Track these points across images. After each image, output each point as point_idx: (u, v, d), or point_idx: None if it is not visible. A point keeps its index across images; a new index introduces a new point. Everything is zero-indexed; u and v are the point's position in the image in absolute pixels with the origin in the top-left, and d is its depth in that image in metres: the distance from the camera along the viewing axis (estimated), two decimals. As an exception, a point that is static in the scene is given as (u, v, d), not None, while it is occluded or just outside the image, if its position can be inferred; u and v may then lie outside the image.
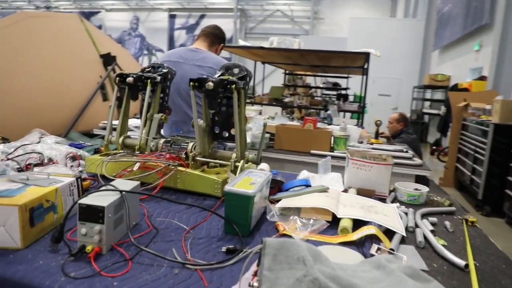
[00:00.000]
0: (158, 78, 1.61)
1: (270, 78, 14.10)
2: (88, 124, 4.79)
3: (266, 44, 5.48)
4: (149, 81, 1.56)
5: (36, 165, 1.37)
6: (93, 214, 0.82)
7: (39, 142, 1.66)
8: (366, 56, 4.59)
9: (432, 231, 1.11)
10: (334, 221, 1.09)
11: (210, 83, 1.25)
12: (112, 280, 0.73)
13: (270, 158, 2.43)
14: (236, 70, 1.47)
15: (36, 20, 5.16)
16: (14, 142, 1.65)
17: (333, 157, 2.35)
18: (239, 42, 6.56)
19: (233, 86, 1.27)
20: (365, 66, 4.92)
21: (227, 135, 1.44)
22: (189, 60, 2.16)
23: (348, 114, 8.06)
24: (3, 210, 0.81)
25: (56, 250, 0.83)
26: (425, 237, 1.06)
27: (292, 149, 2.49)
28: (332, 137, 2.47)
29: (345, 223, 1.05)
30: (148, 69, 1.75)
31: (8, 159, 1.39)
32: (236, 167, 1.33)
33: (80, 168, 1.47)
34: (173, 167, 1.31)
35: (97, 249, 0.82)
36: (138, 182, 1.02)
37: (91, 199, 0.84)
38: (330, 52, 4.73)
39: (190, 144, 1.46)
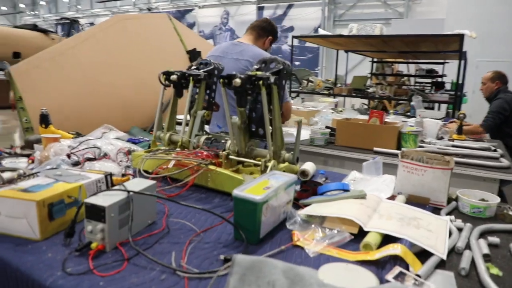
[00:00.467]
0: (202, 74, 1.61)
1: (359, 67, 13.43)
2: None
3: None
4: (191, 78, 1.58)
5: (89, 159, 1.49)
6: (96, 213, 0.84)
7: (100, 137, 1.81)
8: (460, 38, 4.03)
9: (486, 255, 0.91)
10: (363, 234, 0.96)
11: (238, 80, 1.20)
12: (99, 279, 0.75)
13: (329, 155, 2.29)
14: (272, 65, 1.40)
15: (128, 22, 5.68)
16: (82, 137, 1.83)
17: (394, 155, 2.13)
18: (319, 31, 6.33)
19: (261, 82, 1.21)
20: (461, 50, 4.32)
21: (262, 132, 1.38)
22: (228, 54, 2.15)
23: (444, 105, 7.24)
24: (25, 204, 0.89)
25: (68, 244, 0.89)
26: (473, 262, 0.87)
27: (354, 146, 2.31)
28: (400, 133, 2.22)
29: (370, 238, 0.92)
30: (196, 66, 1.78)
31: (71, 153, 1.54)
32: (266, 167, 1.27)
33: (128, 163, 1.56)
34: (204, 165, 1.30)
35: (100, 247, 0.84)
36: (154, 182, 1.03)
37: (97, 199, 0.87)
38: (416, 36, 4.28)
39: (228, 142, 1.44)
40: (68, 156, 1.49)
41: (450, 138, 2.64)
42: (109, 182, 1.14)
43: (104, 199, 0.87)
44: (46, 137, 1.72)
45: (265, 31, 2.26)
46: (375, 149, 2.23)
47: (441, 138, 2.57)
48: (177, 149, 1.51)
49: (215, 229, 1.01)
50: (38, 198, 0.89)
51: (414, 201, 1.27)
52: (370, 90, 5.77)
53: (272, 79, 1.25)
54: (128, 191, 0.92)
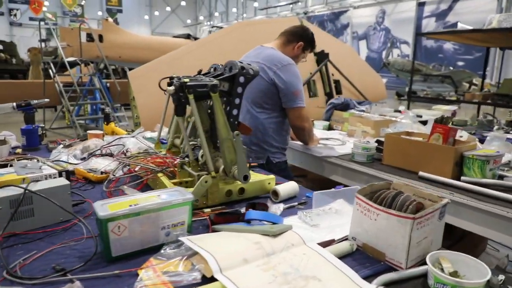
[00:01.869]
0: (210, 85, 1.16)
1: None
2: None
3: None
4: (188, 91, 1.15)
5: (96, 155, 1.67)
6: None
7: (133, 136, 1.99)
8: None
9: None
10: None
11: (171, 88, 1.15)
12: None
13: (369, 175, 1.90)
14: (234, 70, 1.28)
15: (250, 27, 6.00)
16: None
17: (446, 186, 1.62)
18: (459, 26, 5.30)
19: (188, 90, 1.12)
20: None
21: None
22: (248, 58, 2.05)
23: None
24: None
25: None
26: None
27: (402, 167, 1.85)
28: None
29: None
30: (207, 72, 1.74)
31: (101, 147, 1.75)
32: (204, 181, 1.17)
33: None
34: (155, 172, 1.30)
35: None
36: (67, 182, 1.09)
37: (-9, 191, 0.98)
38: None
39: (200, 152, 1.39)
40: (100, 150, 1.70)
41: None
42: (65, 177, 1.25)
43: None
44: (89, 133, 2.01)
45: (296, 36, 2.08)
46: (420, 173, 1.74)
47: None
48: (161, 153, 1.54)
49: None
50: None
51: (370, 253, 0.97)
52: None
53: (210, 86, 1.14)
54: (25, 189, 1.00)
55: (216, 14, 31.42)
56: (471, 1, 15.77)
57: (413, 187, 1.07)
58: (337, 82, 8.19)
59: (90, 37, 7.27)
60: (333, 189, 1.22)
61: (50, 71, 6.38)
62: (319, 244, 0.96)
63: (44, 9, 24.02)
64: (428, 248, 0.95)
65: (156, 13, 30.11)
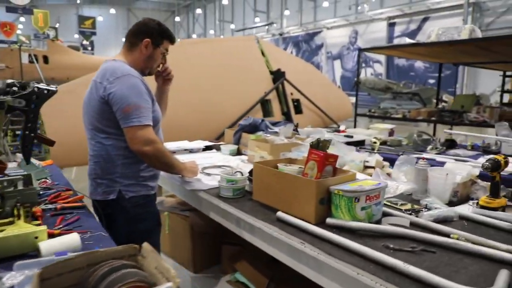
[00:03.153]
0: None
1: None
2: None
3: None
4: None
5: None
6: None
7: None
8: None
9: None
10: None
11: None
12: None
13: (232, 214, 1.52)
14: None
15: (191, 46, 5.75)
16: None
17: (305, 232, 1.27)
18: (405, 40, 5.11)
19: None
20: None
21: None
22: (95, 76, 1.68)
23: None
24: None
25: None
26: None
27: (269, 204, 1.51)
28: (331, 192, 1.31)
29: None
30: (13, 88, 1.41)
31: None
32: None
33: None
34: None
35: None
36: None
37: None
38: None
39: None
40: None
41: (479, 202, 1.51)
42: None
43: None
44: None
45: (138, 35, 1.67)
46: (278, 214, 1.38)
47: (471, 198, 1.48)
48: None
49: None
50: None
51: None
52: (472, 113, 4.26)
53: None
54: None
55: (194, 36, 31.49)
56: (439, 21, 16.03)
57: (157, 257, 0.71)
58: (297, 101, 7.96)
59: (32, 59, 6.88)
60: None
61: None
62: None
63: (19, 31, 23.62)
64: None
65: (185, 39, 30.07)
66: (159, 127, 1.76)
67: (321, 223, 1.34)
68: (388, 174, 2.07)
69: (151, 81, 1.77)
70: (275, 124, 2.90)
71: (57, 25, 22.92)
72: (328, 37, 22.27)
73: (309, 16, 22.99)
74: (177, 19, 32.25)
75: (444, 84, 15.25)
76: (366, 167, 2.11)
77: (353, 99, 18.36)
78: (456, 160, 2.63)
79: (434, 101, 13.54)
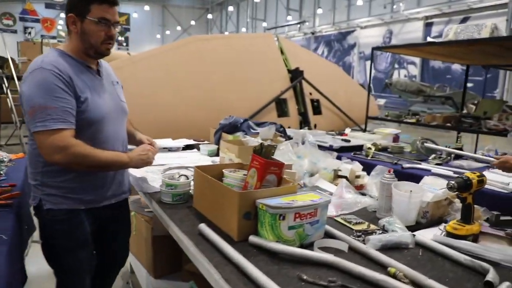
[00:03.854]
0: None
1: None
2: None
3: None
4: None
5: None
6: None
7: None
8: None
9: None
10: None
11: None
12: None
13: (165, 222, 1.36)
14: None
15: (203, 42, 5.63)
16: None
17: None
18: (428, 39, 4.72)
19: None
20: None
21: None
22: None
23: None
24: None
25: None
26: None
27: (204, 214, 1.33)
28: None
29: None
30: None
31: None
32: None
33: None
34: None
35: None
36: None
37: None
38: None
39: None
40: None
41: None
42: None
43: None
44: None
45: (66, 14, 1.40)
46: (200, 227, 1.20)
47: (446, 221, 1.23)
48: None
49: None
50: None
51: None
52: (492, 120, 3.85)
53: None
54: None
55: (227, 33, 31.62)
56: (480, 21, 15.03)
57: None
58: (316, 101, 7.67)
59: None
60: None
61: (3, 86, 6.17)
62: None
63: (59, 27, 24.73)
64: None
65: (168, 32, 30.52)
66: (102, 127, 1.47)
67: (244, 241, 1.17)
68: (362, 186, 1.84)
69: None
70: (260, 124, 2.72)
71: (94, 21, 23.67)
72: (361, 36, 21.58)
73: (343, 15, 22.37)
74: (210, 16, 32.49)
75: (484, 89, 14.33)
76: (338, 176, 1.89)
77: (382, 101, 17.75)
78: (455, 172, 2.33)
79: (472, 106, 12.76)
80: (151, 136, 1.75)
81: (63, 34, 23.56)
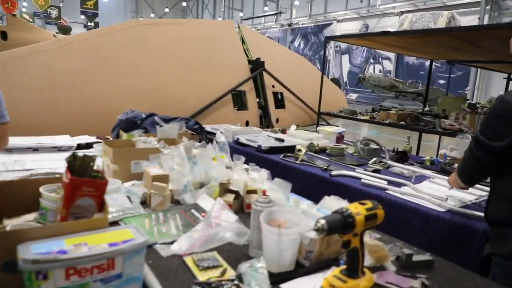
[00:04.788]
0: None
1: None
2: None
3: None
4: None
5: None
6: None
7: None
8: None
9: None
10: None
11: None
12: None
13: None
14: None
15: (149, 27, 5.11)
16: None
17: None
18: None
19: None
20: None
21: None
22: None
23: None
24: None
25: None
26: None
27: None
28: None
29: None
30: None
31: None
32: None
33: None
34: None
35: None
36: None
37: None
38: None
39: None
40: None
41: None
42: None
43: None
44: None
45: None
46: None
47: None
48: None
49: None
50: None
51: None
52: (448, 120, 3.53)
53: None
54: None
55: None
56: (453, 18, 14.99)
57: None
58: (279, 94, 7.25)
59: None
60: None
61: None
62: None
63: (23, 9, 23.31)
64: None
65: (141, 19, 29.42)
66: None
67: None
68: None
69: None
70: (170, 120, 2.27)
71: (60, 4, 22.46)
72: (337, 30, 21.32)
73: (320, 8, 22.04)
74: (184, 4, 31.46)
75: (456, 86, 14.32)
76: (229, 191, 1.47)
77: (354, 96, 17.53)
78: (390, 182, 1.96)
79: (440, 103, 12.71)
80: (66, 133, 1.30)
81: (27, 17, 22.25)
